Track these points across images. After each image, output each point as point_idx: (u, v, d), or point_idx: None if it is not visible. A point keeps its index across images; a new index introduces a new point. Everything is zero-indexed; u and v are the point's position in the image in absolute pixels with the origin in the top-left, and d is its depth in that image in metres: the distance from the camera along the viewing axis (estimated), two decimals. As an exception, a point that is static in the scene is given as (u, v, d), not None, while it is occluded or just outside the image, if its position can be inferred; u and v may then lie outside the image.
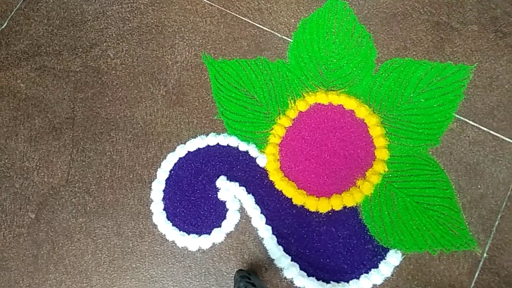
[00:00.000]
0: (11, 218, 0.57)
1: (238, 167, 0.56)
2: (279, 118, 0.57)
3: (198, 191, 0.56)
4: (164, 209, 0.55)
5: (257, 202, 0.54)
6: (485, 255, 0.49)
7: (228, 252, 0.53)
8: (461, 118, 0.54)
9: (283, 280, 0.51)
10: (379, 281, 0.50)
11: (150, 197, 0.56)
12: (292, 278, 0.51)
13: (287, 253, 0.52)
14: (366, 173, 0.54)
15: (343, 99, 0.57)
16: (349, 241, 0.52)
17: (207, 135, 0.58)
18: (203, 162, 0.57)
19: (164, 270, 0.53)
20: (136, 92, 0.61)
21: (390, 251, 0.51)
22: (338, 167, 0.54)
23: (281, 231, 0.53)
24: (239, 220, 0.54)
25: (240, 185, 0.55)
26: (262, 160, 0.56)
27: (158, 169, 0.57)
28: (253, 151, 0.56)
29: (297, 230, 0.53)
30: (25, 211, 0.57)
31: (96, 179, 0.57)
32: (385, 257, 0.51)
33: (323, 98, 0.57)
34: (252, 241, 0.53)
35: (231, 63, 0.61)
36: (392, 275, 0.50)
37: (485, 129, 0.54)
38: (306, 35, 0.61)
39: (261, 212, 0.54)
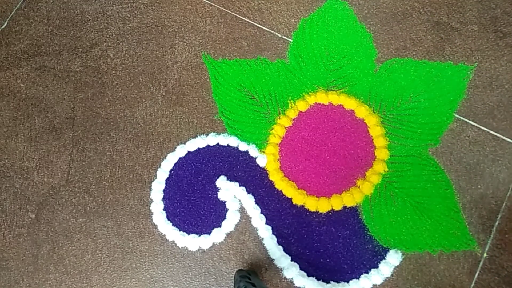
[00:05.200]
0: (11, 218, 0.57)
1: (238, 167, 0.56)
2: (279, 118, 0.57)
3: (198, 191, 0.56)
4: (164, 209, 0.55)
5: (257, 202, 0.54)
6: (485, 255, 0.49)
7: (228, 252, 0.53)
8: (461, 118, 0.54)
9: (283, 280, 0.51)
10: (379, 281, 0.50)
11: (150, 197, 0.56)
12: (292, 278, 0.51)
13: (287, 253, 0.52)
14: (366, 173, 0.54)
15: (343, 99, 0.57)
16: (349, 241, 0.52)
17: (207, 135, 0.58)
18: (203, 162, 0.57)
19: (164, 270, 0.53)
20: (136, 92, 0.61)
21: (390, 251, 0.51)
22: (338, 167, 0.54)
23: (281, 231, 0.53)
24: (239, 220, 0.54)
25: (240, 185, 0.55)
26: (262, 160, 0.56)
27: (158, 169, 0.57)
28: (253, 151, 0.56)
29: (297, 230, 0.53)
30: (25, 211, 0.57)
31: (96, 179, 0.57)
32: (385, 257, 0.51)
33: (323, 98, 0.57)
34: (252, 241, 0.53)
35: (231, 63, 0.61)
36: (392, 275, 0.50)
37: (485, 129, 0.54)
38: (306, 35, 0.61)
39: (261, 212, 0.54)
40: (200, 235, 0.54)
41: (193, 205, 0.55)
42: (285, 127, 0.57)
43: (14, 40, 0.66)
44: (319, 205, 0.53)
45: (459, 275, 0.49)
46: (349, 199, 0.53)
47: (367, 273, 0.50)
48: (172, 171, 0.57)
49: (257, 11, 0.63)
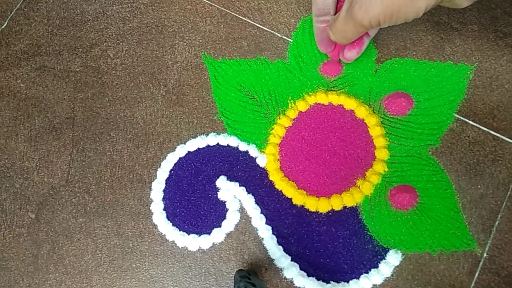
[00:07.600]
0: (11, 218, 0.57)
1: (238, 167, 0.56)
2: (279, 118, 0.57)
3: (198, 191, 0.56)
4: (164, 209, 0.55)
5: (257, 202, 0.54)
6: (485, 255, 0.49)
7: (228, 252, 0.53)
8: (461, 118, 0.54)
9: (283, 280, 0.51)
10: (379, 281, 0.50)
11: (150, 197, 0.56)
12: (292, 278, 0.51)
13: (287, 253, 0.52)
14: (366, 173, 0.54)
15: (343, 99, 0.57)
16: (349, 241, 0.52)
17: (207, 135, 0.58)
18: (203, 162, 0.57)
19: (164, 270, 0.53)
20: (136, 92, 0.61)
21: (390, 251, 0.51)
22: (338, 167, 0.54)
23: (281, 231, 0.53)
24: (239, 220, 0.54)
25: (240, 185, 0.55)
26: (262, 160, 0.56)
27: (158, 169, 0.57)
28: (253, 151, 0.56)
29: (297, 230, 0.53)
30: (25, 211, 0.57)
31: (96, 179, 0.57)
32: (385, 257, 0.50)
33: (323, 98, 0.57)
34: (252, 241, 0.53)
35: (231, 63, 0.61)
36: (392, 275, 0.50)
37: (485, 129, 0.54)
38: (306, 35, 0.60)
39: (261, 212, 0.54)
40: (200, 235, 0.54)
41: (193, 205, 0.55)
42: (285, 127, 0.57)
43: (14, 40, 0.66)
44: (319, 205, 0.53)
45: (459, 275, 0.49)
46: (349, 199, 0.53)
47: (367, 273, 0.50)
48: (172, 171, 0.57)
49: (257, 11, 0.63)
